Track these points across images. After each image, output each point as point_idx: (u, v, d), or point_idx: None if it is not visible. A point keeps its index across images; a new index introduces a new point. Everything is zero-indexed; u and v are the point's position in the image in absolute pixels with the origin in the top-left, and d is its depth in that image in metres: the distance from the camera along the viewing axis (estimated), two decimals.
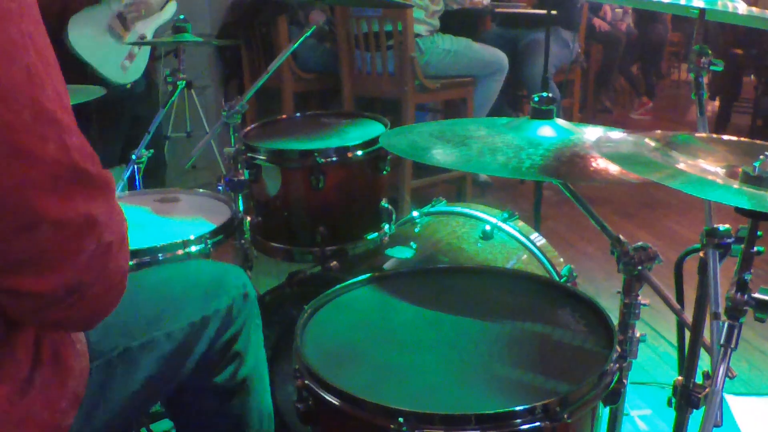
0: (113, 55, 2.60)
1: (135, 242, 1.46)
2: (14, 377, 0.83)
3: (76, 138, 0.73)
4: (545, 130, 1.21)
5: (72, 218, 0.73)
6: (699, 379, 1.11)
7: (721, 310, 0.93)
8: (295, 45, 1.79)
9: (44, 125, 0.70)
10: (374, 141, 1.65)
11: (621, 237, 1.11)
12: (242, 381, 1.20)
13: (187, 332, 1.09)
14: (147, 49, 2.74)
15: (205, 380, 1.17)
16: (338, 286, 1.22)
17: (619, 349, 1.03)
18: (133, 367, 1.02)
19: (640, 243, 1.10)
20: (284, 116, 2.01)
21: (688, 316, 1.15)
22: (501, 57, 3.70)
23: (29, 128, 0.68)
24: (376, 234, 1.73)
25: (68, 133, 0.72)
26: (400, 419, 0.87)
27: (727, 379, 0.91)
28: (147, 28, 2.71)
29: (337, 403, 0.93)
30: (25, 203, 0.69)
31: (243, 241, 1.67)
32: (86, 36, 2.51)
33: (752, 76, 5.83)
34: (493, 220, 1.77)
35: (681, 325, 1.23)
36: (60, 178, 0.71)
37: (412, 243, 1.73)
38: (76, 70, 2.44)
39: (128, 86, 2.64)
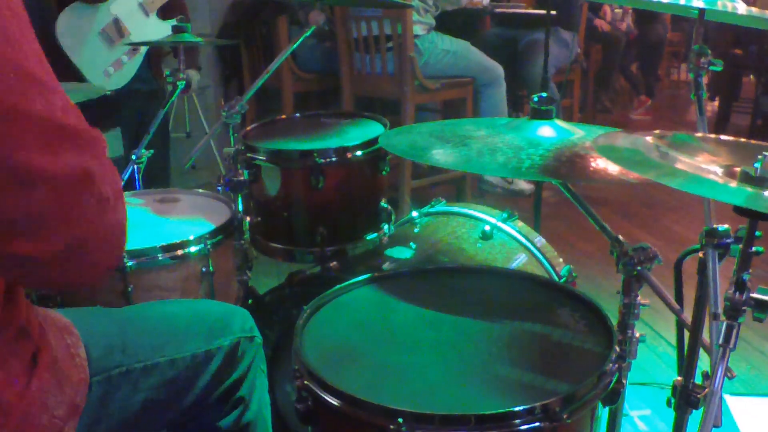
0: (99, 60, 2.55)
1: (135, 242, 1.47)
2: (12, 381, 0.84)
3: (60, 95, 0.74)
4: (545, 131, 1.22)
5: (66, 173, 0.73)
6: (698, 380, 1.11)
7: (721, 310, 0.93)
8: (295, 45, 1.79)
9: (28, 85, 0.70)
10: (374, 141, 1.65)
11: (620, 237, 1.11)
12: (245, 426, 1.21)
13: (189, 363, 1.11)
14: (139, 58, 2.68)
15: (209, 424, 1.19)
16: (338, 287, 1.22)
17: (618, 350, 1.03)
18: (135, 388, 1.04)
19: (639, 243, 1.10)
20: (284, 116, 2.01)
21: (688, 316, 1.15)
22: (497, 65, 3.70)
23: (14, 89, 0.68)
24: (375, 234, 1.73)
25: (51, 92, 0.73)
26: (400, 419, 0.87)
27: (726, 379, 0.91)
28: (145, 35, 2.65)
29: (336, 403, 0.93)
30: (17, 163, 0.69)
31: (243, 242, 1.67)
32: (74, 33, 2.47)
33: (752, 76, 5.83)
34: (493, 220, 1.77)
35: (680, 326, 1.23)
36: (48, 135, 0.72)
37: (411, 243, 1.73)
38: (62, 64, 2.40)
39: (108, 93, 2.54)
